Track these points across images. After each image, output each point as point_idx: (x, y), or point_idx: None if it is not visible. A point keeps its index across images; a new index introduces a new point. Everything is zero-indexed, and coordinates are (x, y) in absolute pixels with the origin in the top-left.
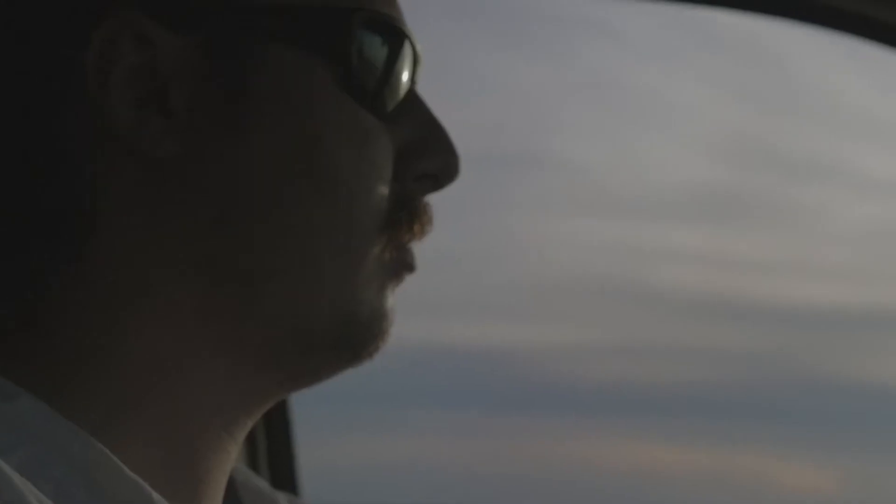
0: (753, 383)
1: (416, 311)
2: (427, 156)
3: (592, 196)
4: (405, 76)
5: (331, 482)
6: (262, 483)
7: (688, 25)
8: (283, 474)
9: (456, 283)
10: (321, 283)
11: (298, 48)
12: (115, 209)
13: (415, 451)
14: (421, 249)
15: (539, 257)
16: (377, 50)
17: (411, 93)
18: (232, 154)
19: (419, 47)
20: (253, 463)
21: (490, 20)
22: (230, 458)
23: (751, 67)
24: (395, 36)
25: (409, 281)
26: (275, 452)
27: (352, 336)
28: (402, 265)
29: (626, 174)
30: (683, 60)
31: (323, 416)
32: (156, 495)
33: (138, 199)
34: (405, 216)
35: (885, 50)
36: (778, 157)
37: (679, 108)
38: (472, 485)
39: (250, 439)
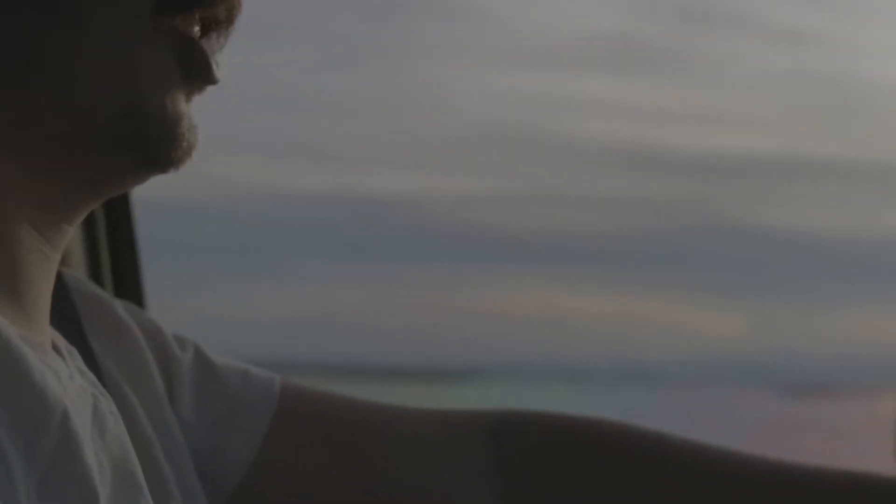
0: (661, 231)
1: (315, 159)
2: None
3: (503, 45)
4: None
5: (220, 330)
6: (97, 289)
7: None
8: (128, 287)
9: (362, 131)
10: (92, 74)
11: None
12: None
13: (309, 300)
14: (318, 95)
15: (447, 106)
16: None
17: None
18: None
19: None
20: (97, 277)
21: None
22: (50, 263)
23: None
24: None
25: (310, 128)
26: (118, 265)
27: (140, 134)
28: (196, 68)
29: (537, 23)
30: None
31: (211, 264)
32: None
33: None
34: (179, 5)
35: None
36: (688, 7)
37: None
38: (376, 335)
39: (93, 253)
